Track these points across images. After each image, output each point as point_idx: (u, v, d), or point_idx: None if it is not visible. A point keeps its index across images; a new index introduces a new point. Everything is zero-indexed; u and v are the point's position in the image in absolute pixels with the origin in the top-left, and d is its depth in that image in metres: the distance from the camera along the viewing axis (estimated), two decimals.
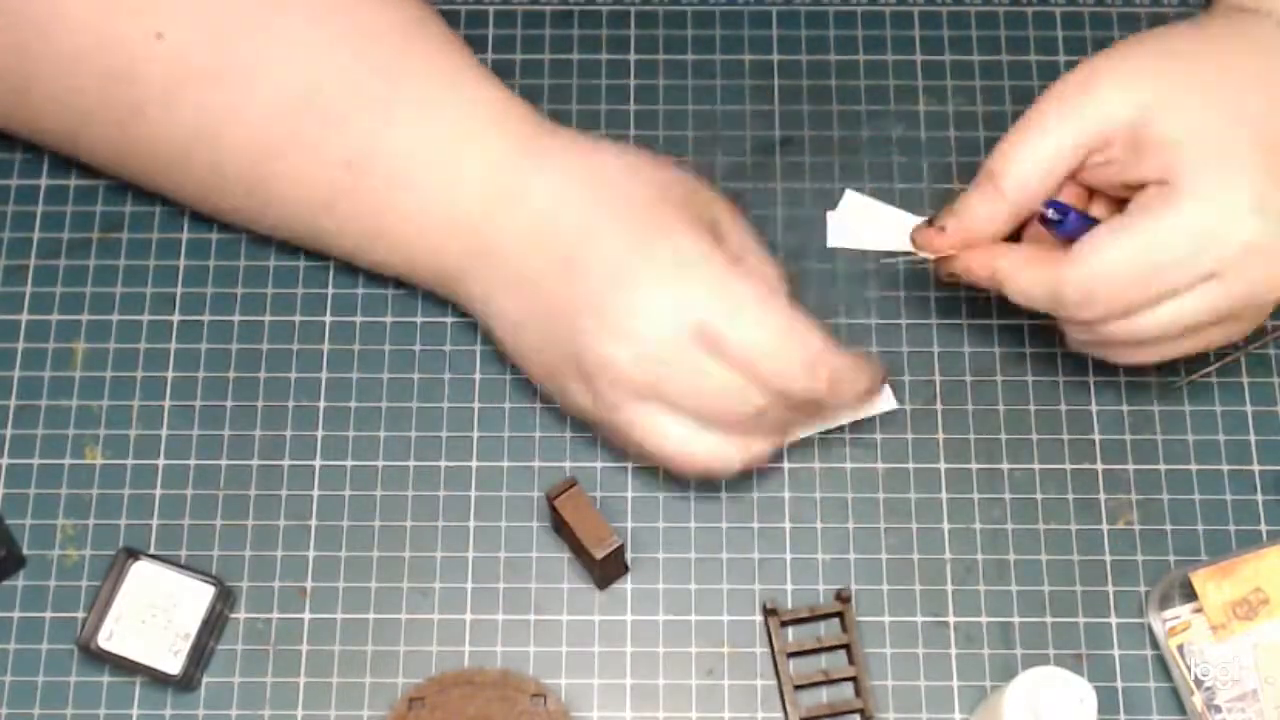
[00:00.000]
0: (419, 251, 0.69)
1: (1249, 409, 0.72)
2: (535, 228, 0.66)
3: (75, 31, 0.66)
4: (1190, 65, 0.64)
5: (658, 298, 0.63)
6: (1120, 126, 0.63)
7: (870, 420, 0.72)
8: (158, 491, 0.71)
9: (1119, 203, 0.65)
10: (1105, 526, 0.71)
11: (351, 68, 0.67)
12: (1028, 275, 0.64)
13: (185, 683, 0.67)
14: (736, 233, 0.68)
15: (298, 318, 0.74)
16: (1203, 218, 0.61)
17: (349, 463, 0.72)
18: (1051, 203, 0.65)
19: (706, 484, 0.71)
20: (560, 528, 0.68)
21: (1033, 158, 0.64)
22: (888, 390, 0.71)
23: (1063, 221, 0.64)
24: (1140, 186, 0.63)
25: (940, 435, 0.72)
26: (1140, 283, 0.62)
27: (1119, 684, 0.68)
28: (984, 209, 0.65)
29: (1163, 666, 0.68)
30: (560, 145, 0.68)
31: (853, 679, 0.68)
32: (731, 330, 0.63)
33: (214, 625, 0.68)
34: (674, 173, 0.68)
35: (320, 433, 0.72)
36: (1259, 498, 0.71)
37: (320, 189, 0.68)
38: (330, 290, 0.74)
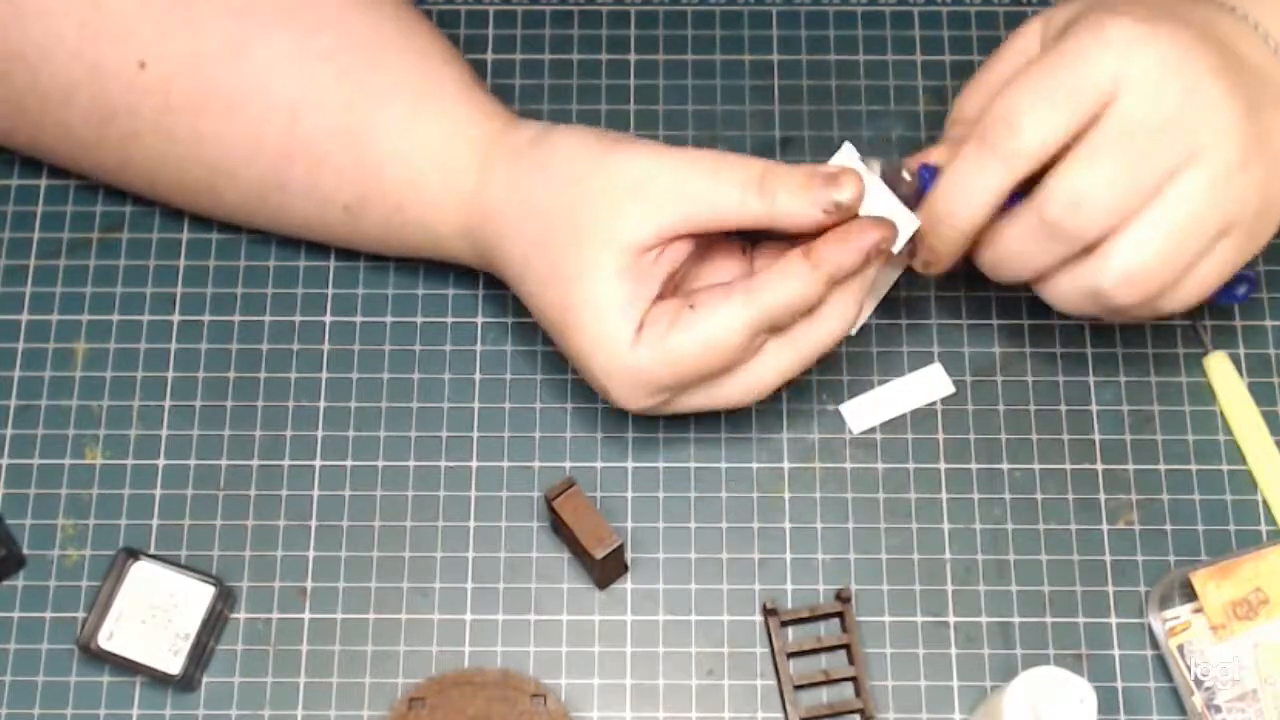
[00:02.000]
0: (439, 252, 0.70)
1: (1256, 407, 0.72)
2: (523, 227, 0.66)
3: (65, 64, 0.67)
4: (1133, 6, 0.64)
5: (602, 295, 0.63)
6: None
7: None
8: (158, 491, 0.71)
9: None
10: (1105, 526, 0.71)
11: (335, 92, 0.67)
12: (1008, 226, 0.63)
13: (185, 683, 0.67)
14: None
15: (298, 318, 0.74)
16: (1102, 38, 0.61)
17: (349, 463, 0.72)
18: (923, 167, 0.65)
19: (706, 484, 0.71)
20: (559, 528, 0.68)
21: (986, 95, 0.65)
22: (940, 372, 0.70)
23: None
24: None
25: (940, 435, 0.72)
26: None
27: (1119, 684, 0.68)
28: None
29: (1163, 666, 0.68)
30: (518, 140, 0.67)
31: (853, 679, 0.68)
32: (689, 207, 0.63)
33: (214, 625, 0.68)
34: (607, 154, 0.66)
35: (320, 433, 0.72)
36: (1259, 498, 0.71)
37: (324, 213, 0.69)
38: (330, 290, 0.74)
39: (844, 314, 0.65)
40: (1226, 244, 0.62)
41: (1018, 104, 0.61)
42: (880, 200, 0.64)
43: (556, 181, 0.65)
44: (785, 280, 0.63)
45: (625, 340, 0.63)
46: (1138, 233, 0.61)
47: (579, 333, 0.64)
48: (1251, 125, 0.61)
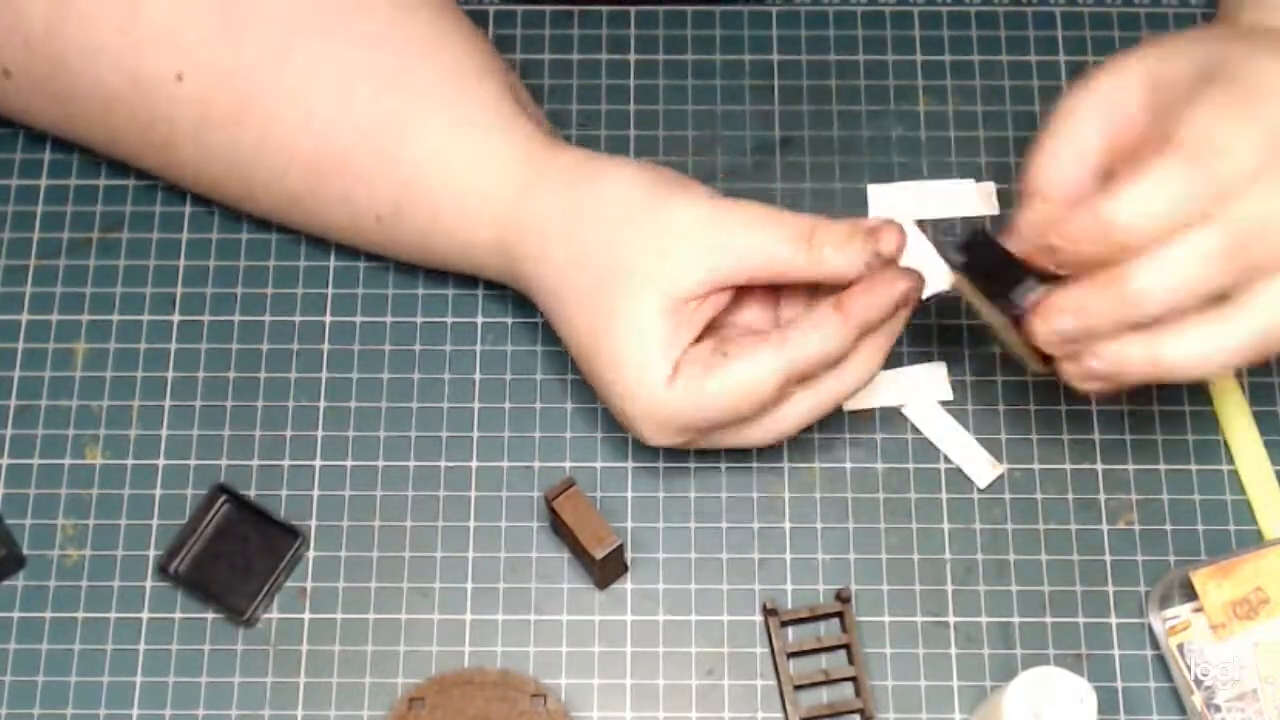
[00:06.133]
0: (466, 264, 0.70)
1: (1249, 409, 0.72)
2: (563, 251, 0.66)
3: (105, 74, 0.67)
4: (1217, 49, 0.61)
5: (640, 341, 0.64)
6: (1138, 88, 0.62)
7: (870, 420, 0.72)
8: (158, 491, 0.71)
9: None
10: (1105, 526, 0.71)
11: (371, 108, 0.67)
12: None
13: (250, 621, 0.68)
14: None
15: (298, 318, 0.74)
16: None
17: (349, 463, 0.72)
18: None
19: (706, 484, 0.71)
20: (559, 528, 0.68)
21: (1058, 160, 0.63)
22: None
23: None
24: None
25: None
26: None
27: (1119, 684, 0.68)
28: (1038, 217, 0.62)
29: (1163, 666, 0.68)
30: (566, 165, 0.68)
31: (853, 679, 0.68)
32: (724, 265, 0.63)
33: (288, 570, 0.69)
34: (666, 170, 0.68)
35: (320, 433, 0.72)
36: None
37: (356, 223, 0.70)
38: (330, 290, 0.74)
39: (869, 365, 0.65)
40: None
41: (1220, 126, 0.58)
42: (917, 251, 0.65)
43: (607, 215, 0.65)
44: (817, 331, 0.63)
45: (660, 380, 0.64)
46: None
47: (612, 366, 0.65)
48: None
